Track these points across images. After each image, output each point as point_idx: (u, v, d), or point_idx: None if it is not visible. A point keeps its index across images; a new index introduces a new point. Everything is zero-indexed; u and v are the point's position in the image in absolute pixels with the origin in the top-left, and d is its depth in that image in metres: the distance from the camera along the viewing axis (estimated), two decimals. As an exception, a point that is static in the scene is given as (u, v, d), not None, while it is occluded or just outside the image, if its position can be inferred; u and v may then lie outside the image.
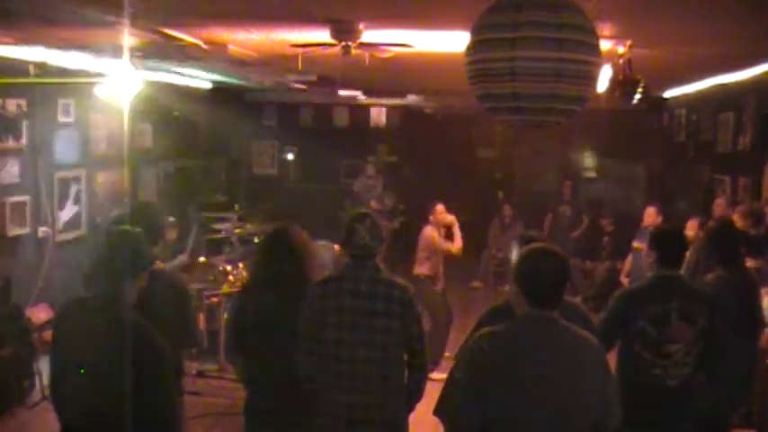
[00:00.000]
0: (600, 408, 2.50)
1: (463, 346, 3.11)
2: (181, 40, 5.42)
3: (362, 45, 5.05)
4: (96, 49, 6.10)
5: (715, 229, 4.49)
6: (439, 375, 5.01)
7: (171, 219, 6.84)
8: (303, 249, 3.60)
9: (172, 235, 6.80)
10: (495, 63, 3.08)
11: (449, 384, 2.63)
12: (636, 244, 7.78)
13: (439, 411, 2.65)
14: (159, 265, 3.64)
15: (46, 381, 5.45)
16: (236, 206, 9.92)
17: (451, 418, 2.60)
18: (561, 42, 2.98)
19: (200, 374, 6.26)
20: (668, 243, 3.68)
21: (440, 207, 7.03)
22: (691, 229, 6.24)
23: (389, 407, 3.26)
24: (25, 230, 6.77)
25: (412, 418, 3.42)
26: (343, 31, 4.83)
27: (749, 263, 4.85)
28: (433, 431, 2.70)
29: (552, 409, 2.44)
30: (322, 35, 4.97)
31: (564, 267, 2.57)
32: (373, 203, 9.16)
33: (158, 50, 5.86)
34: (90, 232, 7.65)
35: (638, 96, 5.51)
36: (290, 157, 12.75)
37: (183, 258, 6.89)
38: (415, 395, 3.35)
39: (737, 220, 5.82)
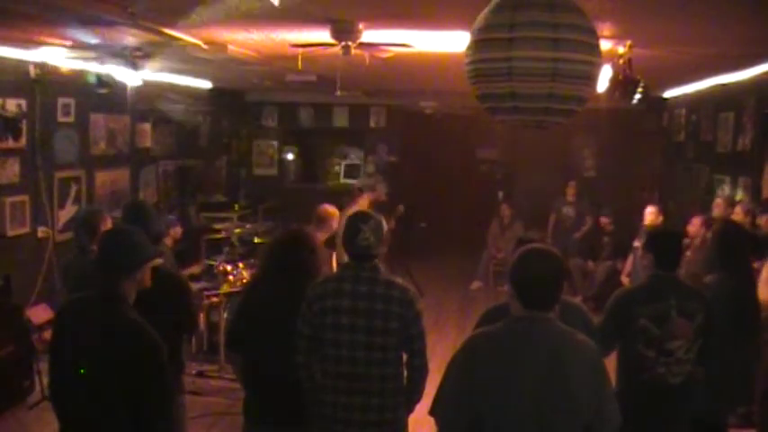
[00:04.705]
0: (594, 410, 2.48)
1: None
2: (181, 40, 5.42)
3: (362, 45, 5.06)
4: (96, 49, 6.10)
5: (722, 230, 4.48)
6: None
7: (171, 216, 6.83)
8: (312, 254, 3.59)
9: (176, 234, 6.80)
10: (493, 63, 3.09)
11: (442, 384, 2.63)
12: (636, 244, 7.79)
13: (433, 411, 2.65)
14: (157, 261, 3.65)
15: (46, 381, 5.46)
16: (236, 206, 9.92)
17: (442, 418, 2.60)
18: (557, 42, 2.98)
19: (200, 374, 6.26)
20: (665, 245, 3.68)
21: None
22: (693, 226, 6.24)
23: (389, 408, 3.25)
24: (25, 230, 6.77)
25: (411, 418, 3.43)
26: (343, 31, 4.83)
27: (755, 265, 4.84)
28: (434, 430, 2.69)
29: (540, 409, 2.43)
30: (322, 35, 4.97)
31: (558, 269, 2.56)
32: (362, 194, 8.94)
33: (158, 50, 5.86)
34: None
35: (638, 96, 5.51)
36: (290, 157, 12.76)
37: (195, 269, 6.90)
38: (414, 396, 3.34)
39: (738, 214, 5.81)
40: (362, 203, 7.37)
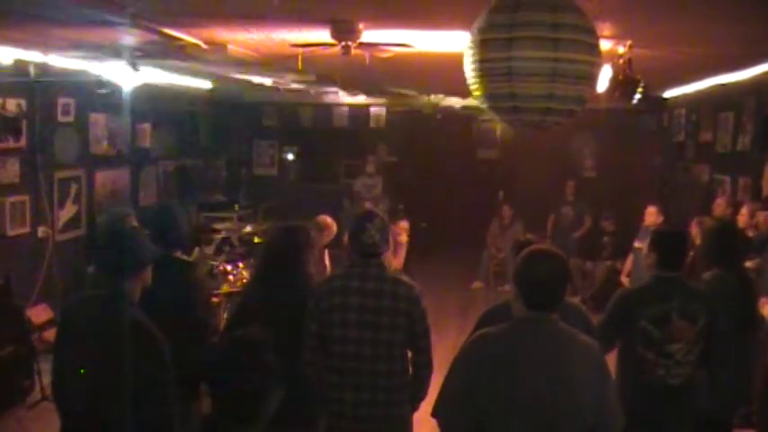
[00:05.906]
0: (598, 412, 2.47)
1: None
2: (181, 40, 5.41)
3: (362, 45, 5.05)
4: (96, 49, 6.10)
5: (713, 229, 4.49)
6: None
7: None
8: (307, 249, 3.60)
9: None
10: (493, 63, 3.09)
11: (445, 385, 2.63)
12: (636, 244, 7.78)
13: (436, 413, 2.64)
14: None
15: (46, 381, 5.45)
16: (236, 206, 9.91)
17: (445, 420, 2.60)
18: (557, 42, 2.99)
19: (200, 374, 6.25)
20: (669, 245, 3.67)
21: (402, 224, 7.13)
22: (694, 228, 6.23)
23: (395, 403, 3.28)
24: (25, 230, 6.77)
25: (415, 416, 3.43)
26: (343, 31, 4.83)
27: (747, 263, 4.84)
28: (435, 430, 2.69)
29: (544, 411, 2.42)
30: (322, 35, 4.97)
31: (562, 270, 2.56)
32: (368, 205, 9.13)
33: (158, 50, 5.86)
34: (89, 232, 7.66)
35: (638, 96, 5.51)
36: (290, 157, 12.76)
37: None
38: (419, 393, 3.36)
39: (743, 215, 5.79)
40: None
